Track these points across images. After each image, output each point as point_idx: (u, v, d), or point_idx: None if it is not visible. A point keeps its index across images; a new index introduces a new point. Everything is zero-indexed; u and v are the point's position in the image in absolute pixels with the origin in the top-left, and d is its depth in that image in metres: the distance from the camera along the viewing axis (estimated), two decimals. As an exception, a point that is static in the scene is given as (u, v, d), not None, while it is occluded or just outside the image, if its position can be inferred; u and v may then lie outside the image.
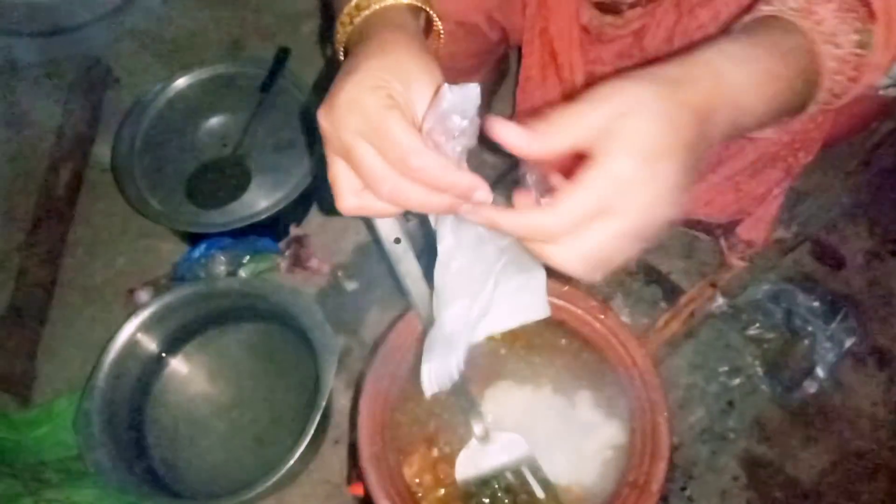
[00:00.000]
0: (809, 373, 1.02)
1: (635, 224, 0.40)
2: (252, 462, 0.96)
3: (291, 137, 1.13)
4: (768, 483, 0.98)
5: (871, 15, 0.49)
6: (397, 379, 0.75)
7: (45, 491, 0.90)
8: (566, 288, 0.76)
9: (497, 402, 0.75)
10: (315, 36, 1.40)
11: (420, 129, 0.44)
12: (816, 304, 1.05)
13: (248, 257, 1.10)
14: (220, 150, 1.14)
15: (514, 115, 1.00)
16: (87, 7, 1.42)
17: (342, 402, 1.03)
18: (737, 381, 1.04)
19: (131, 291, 1.14)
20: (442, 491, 0.72)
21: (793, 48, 0.47)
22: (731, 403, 1.03)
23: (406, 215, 0.88)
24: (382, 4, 0.52)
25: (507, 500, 0.70)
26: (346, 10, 0.53)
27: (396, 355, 0.75)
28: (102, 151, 1.27)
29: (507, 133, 0.40)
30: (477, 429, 0.70)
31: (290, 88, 1.17)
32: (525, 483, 0.70)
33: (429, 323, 0.57)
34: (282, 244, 1.16)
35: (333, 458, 1.00)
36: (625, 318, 1.05)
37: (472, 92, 0.42)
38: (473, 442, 0.71)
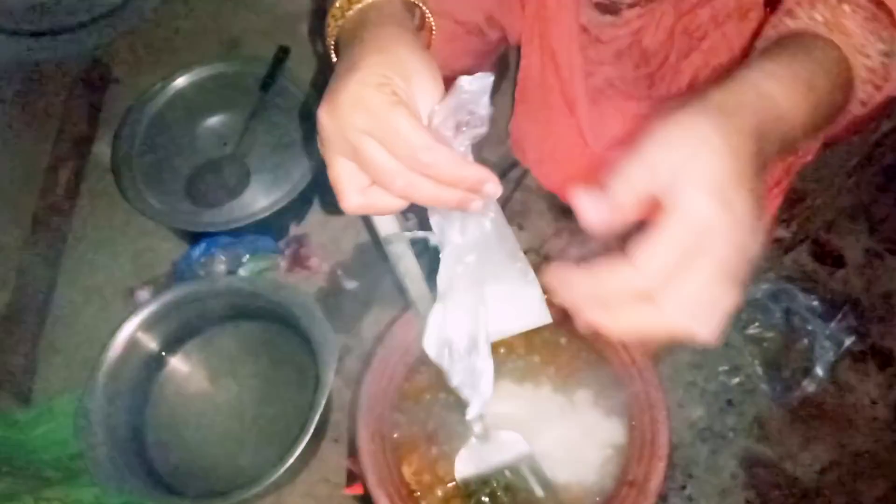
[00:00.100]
0: (809, 372, 1.02)
1: (727, 260, 0.37)
2: (251, 461, 0.96)
3: (291, 137, 1.13)
4: (767, 482, 0.98)
5: (895, 23, 0.50)
6: (396, 378, 0.75)
7: (44, 489, 0.91)
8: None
9: (497, 400, 0.75)
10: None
11: (428, 124, 0.44)
12: (816, 303, 1.05)
13: (247, 256, 1.10)
14: (220, 150, 1.14)
15: (512, 115, 1.00)
16: (86, 6, 1.42)
17: (342, 400, 1.03)
18: (736, 380, 1.04)
19: (131, 290, 1.14)
20: (441, 489, 0.72)
21: (830, 62, 0.48)
22: (730, 402, 1.03)
23: (406, 214, 0.89)
24: None
25: (506, 499, 0.70)
26: (337, 2, 0.52)
27: (395, 354, 0.75)
28: (102, 151, 1.27)
29: (588, 210, 0.38)
30: (476, 427, 0.70)
31: (290, 87, 1.17)
32: (524, 482, 0.70)
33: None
34: (281, 243, 1.16)
35: (333, 457, 1.01)
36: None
37: (487, 81, 0.43)
38: (473, 440, 0.72)
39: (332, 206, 0.47)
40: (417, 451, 0.73)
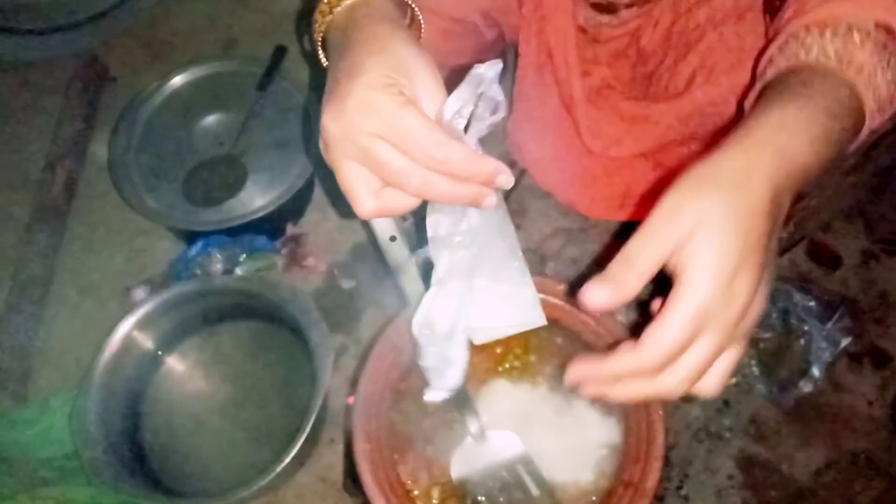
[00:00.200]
0: (805, 372, 1.02)
1: (729, 335, 0.40)
2: (248, 460, 0.96)
3: (288, 136, 1.13)
4: (764, 482, 0.98)
5: None
6: (392, 378, 0.75)
7: (40, 488, 0.90)
8: (561, 286, 0.76)
9: (493, 400, 0.76)
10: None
11: (437, 119, 0.44)
12: (812, 303, 1.05)
13: (244, 256, 1.10)
14: (217, 149, 1.14)
15: (510, 114, 1.00)
16: (83, 5, 1.42)
17: (338, 400, 1.03)
18: (732, 380, 1.04)
19: (127, 289, 1.14)
20: (437, 490, 0.72)
21: (842, 99, 0.48)
22: (726, 403, 1.03)
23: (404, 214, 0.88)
24: None
25: (502, 499, 0.70)
26: None
27: (391, 354, 0.75)
28: (99, 149, 1.27)
29: (595, 297, 0.41)
30: (472, 427, 0.70)
31: (287, 87, 1.17)
32: (520, 481, 0.70)
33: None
34: (278, 242, 1.16)
35: (329, 457, 1.00)
36: (620, 318, 1.05)
37: (499, 67, 0.43)
38: (469, 440, 0.72)
39: (348, 210, 0.46)
40: (413, 451, 0.73)
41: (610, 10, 0.80)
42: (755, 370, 1.04)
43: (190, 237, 1.12)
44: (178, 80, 1.19)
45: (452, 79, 0.45)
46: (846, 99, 0.48)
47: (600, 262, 0.44)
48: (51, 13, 1.41)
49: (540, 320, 0.53)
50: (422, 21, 0.57)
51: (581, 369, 0.44)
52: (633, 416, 0.71)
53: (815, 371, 1.02)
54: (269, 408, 1.00)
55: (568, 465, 0.72)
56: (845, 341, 1.03)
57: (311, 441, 0.96)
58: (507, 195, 1.21)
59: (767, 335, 1.05)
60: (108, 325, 0.97)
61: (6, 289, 1.13)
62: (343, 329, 1.10)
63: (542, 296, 0.54)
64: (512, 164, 1.15)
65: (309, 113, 1.14)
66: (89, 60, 1.36)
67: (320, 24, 0.53)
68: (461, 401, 0.70)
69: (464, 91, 0.44)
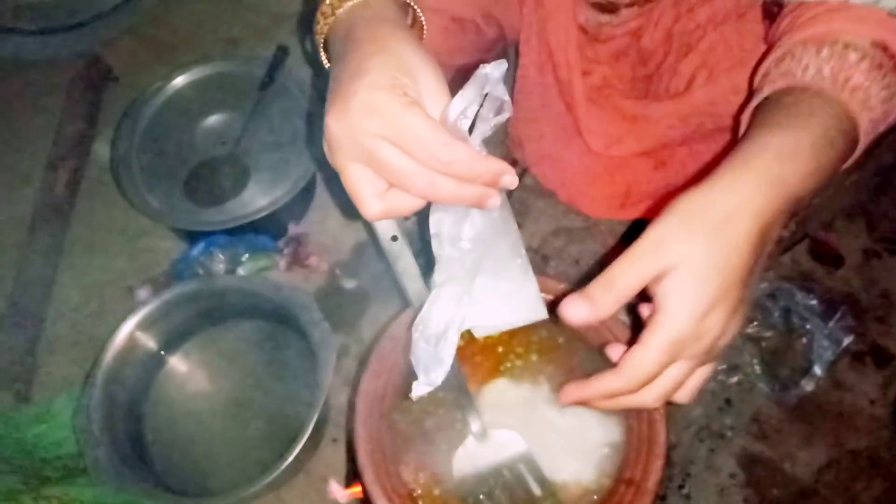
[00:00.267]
0: (807, 371, 1.02)
1: (702, 360, 0.45)
2: (250, 460, 0.96)
3: (290, 136, 1.13)
4: (766, 481, 0.98)
5: None
6: (394, 377, 0.75)
7: (44, 488, 0.91)
8: (563, 286, 0.76)
9: (494, 399, 0.76)
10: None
11: (442, 119, 0.44)
12: (814, 302, 1.05)
13: (246, 255, 1.10)
14: (219, 149, 1.14)
15: (511, 114, 1.00)
16: (86, 5, 1.42)
17: (340, 400, 1.03)
18: (734, 379, 1.04)
19: (130, 289, 1.15)
20: (439, 489, 0.72)
21: (836, 122, 0.48)
22: (728, 401, 1.03)
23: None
24: None
25: (504, 498, 0.70)
26: (327, 0, 0.52)
27: (393, 353, 0.75)
28: (101, 149, 1.28)
29: (573, 312, 0.44)
30: (474, 427, 0.70)
31: (289, 87, 1.17)
32: (522, 481, 0.70)
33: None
34: (280, 242, 1.16)
35: (331, 456, 1.01)
36: (622, 317, 1.05)
37: (504, 67, 0.44)
38: (470, 440, 0.72)
39: (354, 212, 0.46)
40: (415, 451, 0.73)
41: (610, 9, 0.80)
42: (757, 369, 1.04)
43: (192, 237, 1.12)
44: (180, 80, 1.19)
45: (457, 79, 0.45)
46: (841, 121, 0.48)
47: (603, 264, 0.45)
48: (53, 13, 1.41)
49: (542, 314, 0.53)
50: (423, 21, 0.57)
51: (571, 392, 0.49)
52: (634, 415, 0.71)
53: (817, 370, 1.02)
54: (272, 407, 1.00)
55: (570, 464, 0.72)
56: (847, 340, 1.03)
57: (314, 441, 0.96)
58: (509, 194, 1.21)
59: (769, 334, 1.05)
60: (111, 325, 0.97)
61: (9, 289, 1.14)
62: (345, 328, 1.11)
63: (543, 295, 0.54)
64: (513, 163, 1.15)
65: (311, 113, 1.14)
66: (91, 60, 1.36)
67: (322, 25, 0.52)
68: (463, 400, 0.70)
69: (469, 91, 0.44)
